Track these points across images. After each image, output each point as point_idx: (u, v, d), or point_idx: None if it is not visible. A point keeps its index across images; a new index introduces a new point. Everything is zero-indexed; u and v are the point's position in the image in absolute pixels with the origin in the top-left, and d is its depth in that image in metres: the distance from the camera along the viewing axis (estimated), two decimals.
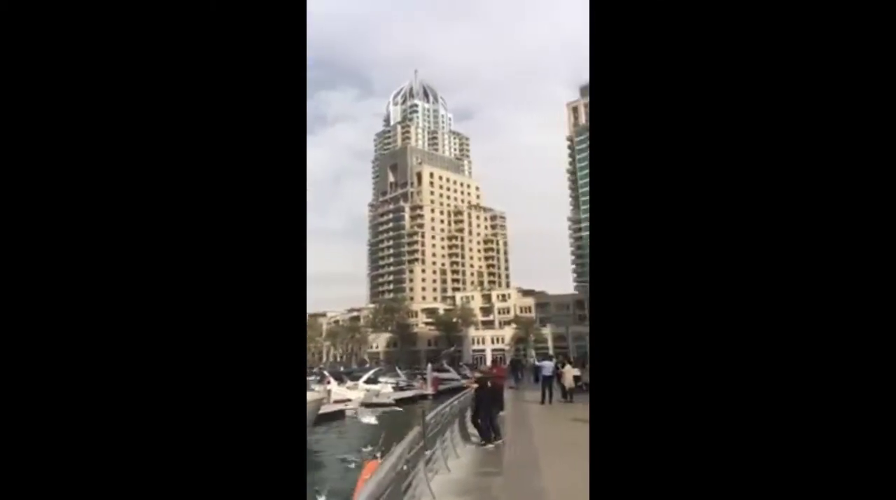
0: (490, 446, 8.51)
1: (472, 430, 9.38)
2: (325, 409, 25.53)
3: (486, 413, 8.96)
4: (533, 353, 57.02)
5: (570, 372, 15.97)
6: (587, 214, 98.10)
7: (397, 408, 30.50)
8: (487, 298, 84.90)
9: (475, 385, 9.61)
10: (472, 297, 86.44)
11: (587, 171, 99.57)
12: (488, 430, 8.78)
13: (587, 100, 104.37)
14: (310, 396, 20.61)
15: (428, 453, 6.23)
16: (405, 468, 4.85)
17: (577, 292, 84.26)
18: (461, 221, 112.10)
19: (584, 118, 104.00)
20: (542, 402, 14.85)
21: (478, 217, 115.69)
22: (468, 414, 9.72)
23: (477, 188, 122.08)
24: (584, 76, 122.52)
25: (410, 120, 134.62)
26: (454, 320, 75.88)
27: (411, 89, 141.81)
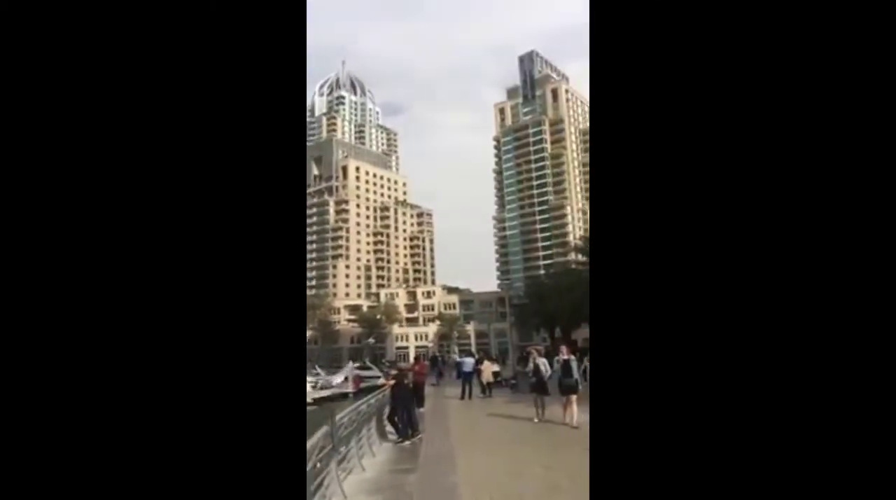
0: (407, 443, 8.49)
1: (389, 428, 9.32)
2: None
3: (403, 410, 8.91)
4: (456, 349, 57.73)
5: (488, 368, 16.44)
6: (512, 214, 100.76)
7: (314, 407, 29.76)
8: (412, 295, 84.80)
9: (392, 382, 9.55)
10: (397, 294, 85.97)
11: (513, 171, 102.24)
12: (406, 427, 8.75)
13: (514, 102, 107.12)
14: None
15: (343, 450, 6.10)
16: (318, 465, 4.72)
17: (500, 290, 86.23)
18: (387, 218, 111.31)
19: (510, 119, 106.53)
20: (462, 398, 15.08)
21: (404, 214, 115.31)
22: (386, 412, 9.65)
23: (404, 184, 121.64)
24: (512, 79, 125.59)
25: (336, 112, 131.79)
26: (378, 316, 75.18)
27: (338, 80, 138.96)
